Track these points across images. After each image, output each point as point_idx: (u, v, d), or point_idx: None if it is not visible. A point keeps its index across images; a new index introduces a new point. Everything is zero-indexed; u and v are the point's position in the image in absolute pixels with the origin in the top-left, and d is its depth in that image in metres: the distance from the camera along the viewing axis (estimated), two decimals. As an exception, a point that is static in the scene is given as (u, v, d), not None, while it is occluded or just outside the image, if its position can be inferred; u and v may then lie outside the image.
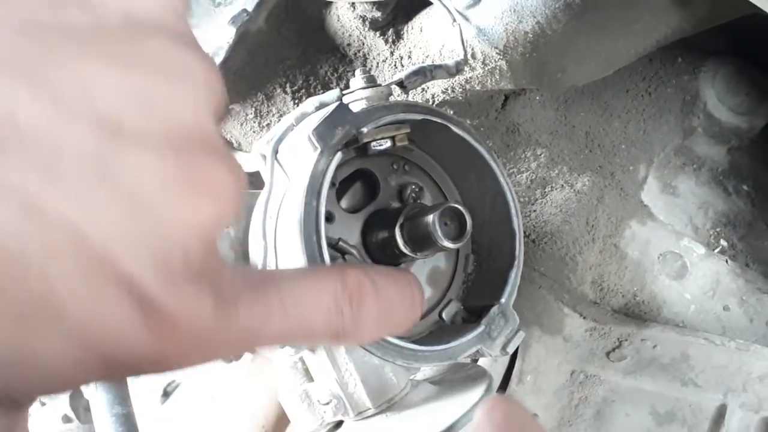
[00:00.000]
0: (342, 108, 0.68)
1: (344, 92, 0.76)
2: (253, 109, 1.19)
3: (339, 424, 0.74)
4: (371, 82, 0.75)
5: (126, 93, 0.27)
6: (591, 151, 1.23)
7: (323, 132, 0.66)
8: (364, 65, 1.19)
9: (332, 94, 0.75)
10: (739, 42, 1.29)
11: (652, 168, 1.25)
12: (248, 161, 0.78)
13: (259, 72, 1.17)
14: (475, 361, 0.92)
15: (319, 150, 0.65)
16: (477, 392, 0.73)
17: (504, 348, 0.75)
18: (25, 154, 0.25)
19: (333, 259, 0.69)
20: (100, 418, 0.73)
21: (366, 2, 1.08)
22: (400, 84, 0.81)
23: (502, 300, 0.76)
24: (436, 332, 0.78)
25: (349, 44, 1.19)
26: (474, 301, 0.81)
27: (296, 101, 1.19)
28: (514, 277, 0.77)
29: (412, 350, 0.68)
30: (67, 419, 1.14)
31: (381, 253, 0.76)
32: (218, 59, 1.04)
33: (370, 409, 0.70)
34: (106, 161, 0.26)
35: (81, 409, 1.14)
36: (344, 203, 0.78)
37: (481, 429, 0.45)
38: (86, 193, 0.26)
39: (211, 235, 0.30)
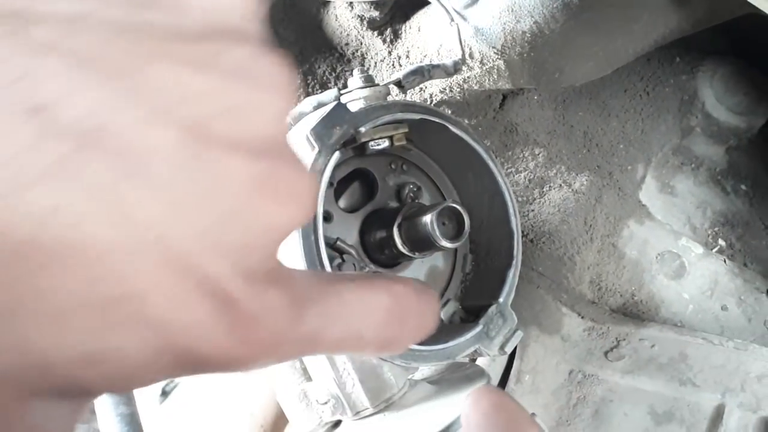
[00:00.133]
0: (340, 107, 0.68)
1: (342, 92, 0.76)
2: (251, 108, 1.19)
3: (337, 423, 0.73)
4: (369, 81, 0.75)
5: (209, 97, 0.28)
6: (589, 150, 1.23)
7: (321, 132, 0.66)
8: (362, 65, 1.19)
9: (330, 94, 0.75)
10: (738, 42, 1.29)
11: (650, 167, 1.25)
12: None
13: (257, 71, 1.17)
14: (473, 360, 0.91)
15: (317, 149, 0.65)
16: (475, 392, 0.73)
17: (502, 348, 0.75)
18: (112, 155, 0.25)
19: (331, 258, 0.69)
20: (105, 417, 0.73)
21: (364, 2, 1.08)
22: (398, 83, 0.81)
23: (500, 299, 0.76)
24: (434, 332, 0.78)
25: (347, 44, 1.19)
26: (472, 300, 0.81)
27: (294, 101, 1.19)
28: (512, 276, 0.77)
29: (411, 350, 0.68)
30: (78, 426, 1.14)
31: (379, 252, 0.76)
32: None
33: (368, 408, 0.70)
34: (192, 164, 0.27)
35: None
36: (342, 203, 0.78)
37: (470, 419, 0.45)
38: (172, 194, 0.26)
39: (284, 236, 0.31)
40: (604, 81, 1.23)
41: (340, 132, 0.67)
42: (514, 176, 1.20)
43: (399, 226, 0.72)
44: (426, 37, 1.07)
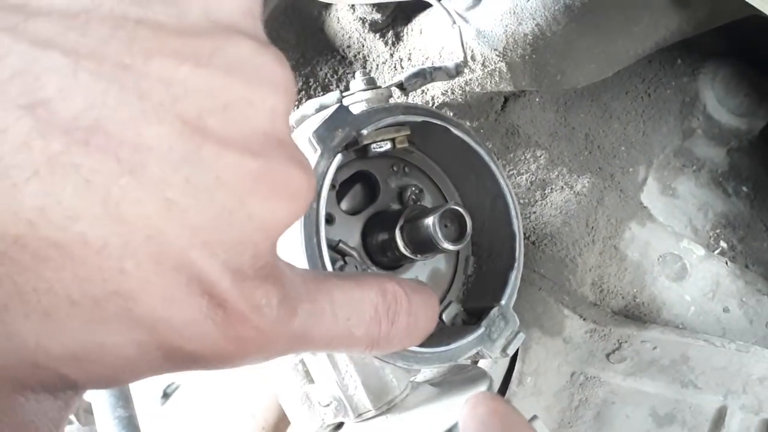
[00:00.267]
0: (342, 110, 0.68)
1: (344, 94, 0.76)
2: (253, 111, 1.19)
3: (339, 425, 0.74)
4: (371, 84, 0.75)
5: (208, 93, 0.28)
6: (591, 152, 1.23)
7: (323, 134, 0.66)
8: (364, 67, 1.19)
9: (332, 96, 0.75)
10: (739, 44, 1.29)
11: (651, 169, 1.25)
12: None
13: (259, 74, 1.17)
14: (476, 362, 0.92)
15: (319, 152, 0.65)
16: (477, 394, 0.73)
17: (504, 350, 0.75)
18: (106, 152, 0.25)
19: (333, 261, 0.69)
20: (103, 420, 0.73)
21: (366, 4, 1.08)
22: (400, 86, 0.81)
23: (502, 302, 0.76)
24: (436, 334, 0.78)
25: (348, 46, 1.19)
26: (474, 302, 0.81)
27: (296, 103, 1.19)
28: (514, 278, 0.77)
29: (413, 352, 0.68)
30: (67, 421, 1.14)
31: (381, 254, 0.76)
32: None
33: (370, 411, 0.70)
34: (185, 158, 0.27)
35: (81, 411, 1.14)
36: (344, 205, 0.79)
37: (467, 425, 0.45)
38: (165, 188, 0.26)
39: (280, 233, 0.31)
40: (605, 83, 1.23)
41: (342, 134, 0.67)
42: (515, 178, 1.20)
43: (401, 229, 0.72)
44: (428, 40, 1.07)
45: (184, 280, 0.27)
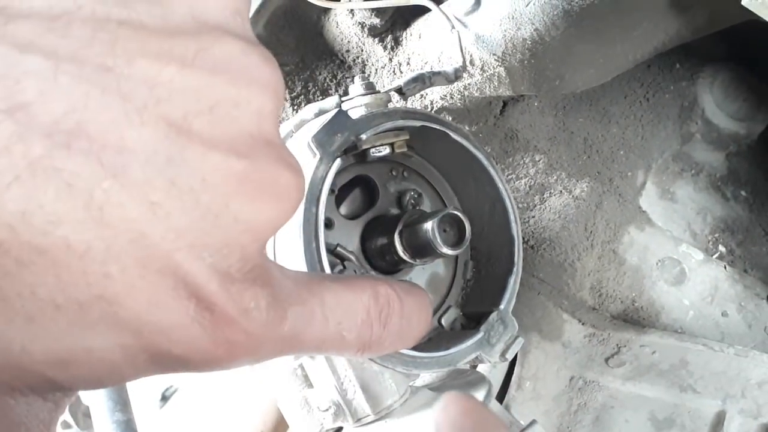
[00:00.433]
0: (341, 115, 0.68)
1: (343, 99, 0.76)
2: (252, 115, 1.19)
3: (338, 430, 0.73)
4: (370, 88, 0.75)
5: (193, 94, 0.28)
6: (589, 157, 1.24)
7: (322, 139, 0.66)
8: (363, 72, 1.19)
9: (331, 101, 0.75)
10: (738, 48, 1.30)
11: (650, 174, 1.25)
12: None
13: (258, 78, 1.17)
14: (474, 367, 0.92)
15: (318, 157, 0.65)
16: (477, 398, 0.73)
17: (503, 354, 0.74)
18: (91, 151, 0.25)
19: (332, 265, 0.69)
20: (101, 424, 0.73)
21: (365, 9, 1.08)
22: (399, 90, 0.82)
23: (501, 306, 0.76)
24: (435, 339, 0.78)
25: (347, 50, 1.19)
26: (473, 307, 0.81)
27: (295, 108, 1.19)
28: (513, 283, 0.77)
29: (412, 357, 0.68)
30: (66, 425, 1.14)
31: (380, 259, 0.76)
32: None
33: (369, 415, 0.70)
34: (170, 161, 0.27)
35: (80, 415, 1.14)
36: (343, 210, 0.79)
37: (439, 426, 0.45)
38: (149, 191, 0.26)
39: (268, 235, 0.31)
40: (604, 87, 1.23)
41: (341, 139, 0.67)
42: (514, 183, 1.20)
43: (400, 233, 0.72)
44: (427, 44, 1.07)
45: (170, 284, 0.27)
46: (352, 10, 1.11)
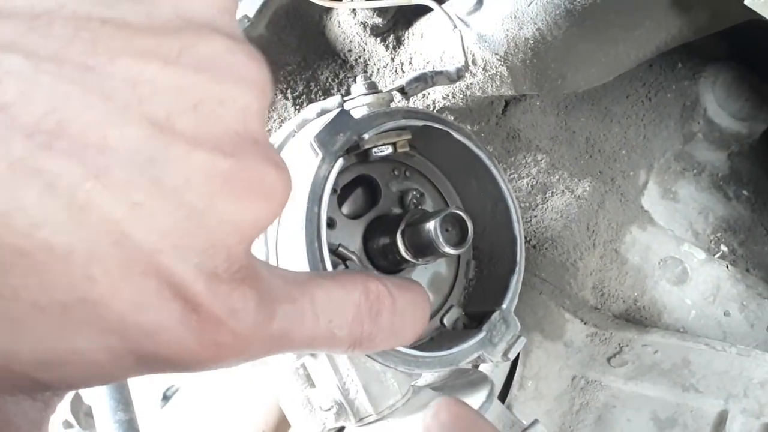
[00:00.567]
0: (343, 114, 0.68)
1: (345, 98, 0.76)
2: (254, 114, 1.19)
3: (340, 430, 0.73)
4: (372, 88, 0.75)
5: (176, 92, 0.27)
6: (591, 156, 1.23)
7: (325, 138, 0.66)
8: (365, 71, 1.19)
9: (333, 101, 0.75)
10: (739, 48, 1.30)
11: (652, 173, 1.25)
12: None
13: (260, 78, 1.17)
14: (477, 366, 0.92)
15: (320, 156, 0.65)
16: (478, 398, 0.73)
17: (505, 354, 0.75)
18: (72, 152, 0.25)
19: (334, 265, 0.69)
20: (104, 424, 0.73)
21: (367, 8, 1.08)
22: (401, 90, 0.82)
23: (504, 306, 0.76)
24: (438, 338, 0.78)
25: (350, 50, 1.19)
26: (475, 306, 0.81)
27: (297, 107, 1.19)
28: (515, 282, 0.77)
29: (414, 356, 0.68)
30: (68, 425, 1.14)
31: (382, 259, 0.76)
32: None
33: (371, 415, 0.70)
34: (153, 160, 0.26)
35: (82, 415, 1.14)
36: (345, 209, 0.79)
37: (430, 430, 0.45)
38: (132, 191, 0.26)
39: (255, 234, 0.31)
40: (606, 87, 1.23)
41: (343, 139, 0.67)
42: (516, 182, 1.20)
43: (402, 233, 0.72)
44: (429, 44, 1.07)
45: (155, 285, 0.27)
46: (354, 9, 1.11)
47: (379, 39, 1.14)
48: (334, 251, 0.74)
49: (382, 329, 0.38)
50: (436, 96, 1.13)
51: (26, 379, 0.27)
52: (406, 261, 0.73)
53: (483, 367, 0.99)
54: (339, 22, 1.16)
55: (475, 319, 0.79)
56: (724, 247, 1.22)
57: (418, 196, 0.81)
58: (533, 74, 0.97)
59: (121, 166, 0.26)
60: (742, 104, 1.26)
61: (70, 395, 1.12)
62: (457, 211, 0.70)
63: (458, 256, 0.83)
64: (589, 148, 1.24)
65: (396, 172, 0.81)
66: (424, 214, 0.73)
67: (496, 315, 0.75)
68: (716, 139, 1.26)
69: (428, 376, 0.81)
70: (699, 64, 1.28)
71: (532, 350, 1.09)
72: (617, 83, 1.25)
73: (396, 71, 1.15)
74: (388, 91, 0.77)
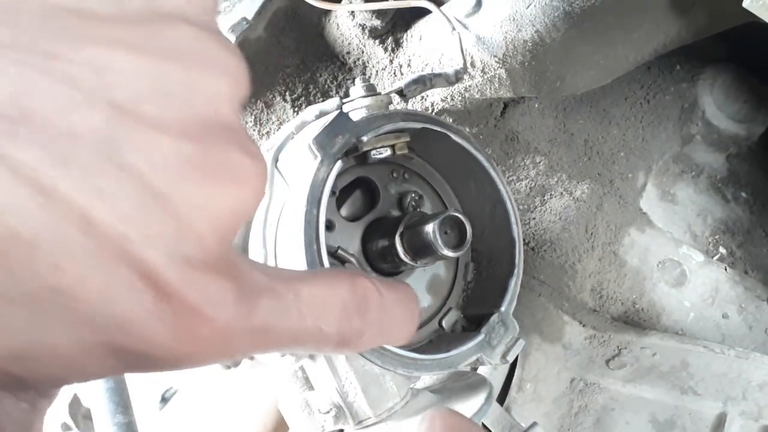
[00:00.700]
0: (342, 117, 0.68)
1: (344, 101, 0.76)
2: (253, 117, 1.20)
3: (339, 432, 0.73)
4: (371, 90, 0.75)
5: (142, 78, 0.27)
6: (590, 158, 1.24)
7: (323, 141, 0.66)
8: (364, 73, 1.19)
9: (332, 103, 0.75)
10: (738, 50, 1.30)
11: (650, 175, 1.25)
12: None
13: (259, 80, 1.17)
14: (475, 369, 0.91)
15: (319, 158, 0.65)
16: (477, 400, 0.73)
17: (504, 356, 0.75)
18: (37, 139, 0.25)
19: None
20: (102, 426, 0.73)
21: (366, 10, 1.08)
22: (400, 92, 0.81)
23: (502, 308, 0.76)
24: (436, 341, 0.78)
25: (348, 52, 1.19)
26: (474, 309, 0.81)
27: (296, 109, 1.19)
28: (514, 285, 0.77)
29: (413, 359, 0.68)
30: (66, 427, 1.14)
31: (381, 261, 0.76)
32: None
33: (370, 418, 0.70)
34: (119, 146, 0.26)
35: (80, 417, 1.14)
36: (344, 211, 0.79)
37: None
38: (98, 178, 0.25)
39: (229, 223, 0.30)
40: (604, 89, 1.23)
41: (342, 141, 0.67)
42: (515, 184, 1.20)
43: (401, 235, 0.72)
44: (427, 46, 1.07)
45: (125, 274, 0.26)
46: (352, 11, 1.11)
47: (377, 41, 1.14)
48: (333, 253, 0.74)
49: (370, 326, 0.37)
50: (435, 98, 1.13)
51: (1, 374, 0.27)
52: (405, 263, 0.73)
53: (482, 370, 0.99)
54: (337, 25, 1.16)
55: (473, 322, 0.79)
56: (722, 249, 1.22)
57: (416, 198, 0.81)
58: (532, 76, 0.97)
59: (86, 152, 0.25)
60: (740, 106, 1.26)
61: (65, 397, 1.12)
62: (456, 214, 0.70)
63: (457, 259, 0.83)
64: (588, 150, 1.24)
65: (395, 175, 0.81)
66: (423, 216, 0.73)
67: (494, 317, 0.75)
68: (715, 141, 1.27)
69: (427, 379, 0.81)
70: (697, 66, 1.29)
71: (530, 352, 1.09)
72: (616, 85, 1.25)
73: (394, 73, 1.15)
74: (386, 94, 0.77)
